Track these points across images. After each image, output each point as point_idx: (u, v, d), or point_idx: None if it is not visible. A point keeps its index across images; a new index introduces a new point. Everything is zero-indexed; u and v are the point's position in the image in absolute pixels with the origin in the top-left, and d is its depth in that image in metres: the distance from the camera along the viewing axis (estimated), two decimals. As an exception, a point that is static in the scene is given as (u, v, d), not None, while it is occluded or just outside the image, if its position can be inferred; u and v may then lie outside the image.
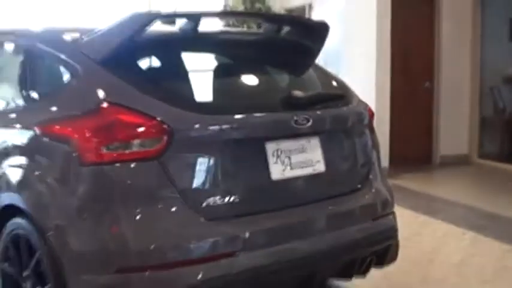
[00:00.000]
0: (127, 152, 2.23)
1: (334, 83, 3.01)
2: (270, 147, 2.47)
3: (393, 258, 2.90)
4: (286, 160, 2.50)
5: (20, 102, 2.81)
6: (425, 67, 7.15)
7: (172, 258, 2.19)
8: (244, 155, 2.41)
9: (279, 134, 2.51)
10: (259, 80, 2.79)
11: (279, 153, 2.48)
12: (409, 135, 7.03)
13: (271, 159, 2.46)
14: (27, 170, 2.50)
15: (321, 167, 2.62)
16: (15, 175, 2.56)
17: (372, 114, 2.98)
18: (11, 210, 2.60)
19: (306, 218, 2.54)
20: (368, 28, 6.67)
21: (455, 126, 7.18)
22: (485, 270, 3.68)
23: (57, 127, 2.39)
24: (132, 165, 2.22)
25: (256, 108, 2.52)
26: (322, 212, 2.60)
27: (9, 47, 3.14)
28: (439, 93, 7.19)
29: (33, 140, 2.50)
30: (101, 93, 2.33)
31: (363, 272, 2.81)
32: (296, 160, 2.54)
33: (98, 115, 2.29)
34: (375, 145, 2.97)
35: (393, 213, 2.95)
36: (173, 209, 2.24)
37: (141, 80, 2.41)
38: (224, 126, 2.37)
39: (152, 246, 2.19)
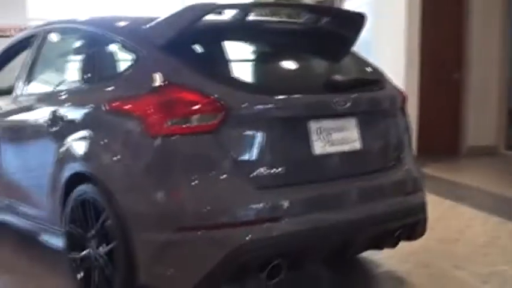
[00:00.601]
0: (187, 126, 2.52)
1: (370, 69, 3.27)
2: (313, 125, 2.74)
3: (422, 233, 3.15)
4: (327, 137, 2.77)
5: (85, 83, 3.13)
6: (455, 58, 7.32)
7: (224, 220, 2.49)
8: (289, 132, 2.69)
9: (321, 114, 2.79)
10: (302, 65, 3.08)
11: (321, 131, 2.75)
12: (436, 126, 7.20)
13: (314, 136, 2.73)
14: (96, 141, 2.82)
15: (357, 145, 2.89)
16: (84, 147, 2.89)
17: (405, 99, 3.23)
18: (79, 178, 2.93)
19: (343, 190, 2.81)
20: (397, 19, 6.86)
21: (482, 118, 7.34)
22: (509, 252, 3.89)
23: (125, 104, 2.70)
24: (192, 138, 2.52)
25: (301, 90, 2.81)
26: (357, 185, 2.87)
27: (71, 34, 3.48)
28: (467, 84, 7.36)
29: (101, 115, 2.83)
30: (164, 74, 2.63)
31: (394, 244, 3.07)
32: (335, 138, 2.80)
33: (162, 93, 2.58)
34: (407, 128, 3.22)
35: (423, 191, 3.19)
36: (226, 177, 2.53)
37: (199, 63, 2.70)
38: (273, 105, 2.65)
39: (207, 209, 2.48)
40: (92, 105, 2.93)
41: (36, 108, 3.45)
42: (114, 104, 2.75)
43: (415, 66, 6.81)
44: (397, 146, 3.11)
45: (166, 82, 2.60)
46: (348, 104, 2.82)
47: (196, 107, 2.52)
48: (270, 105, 2.65)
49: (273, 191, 2.60)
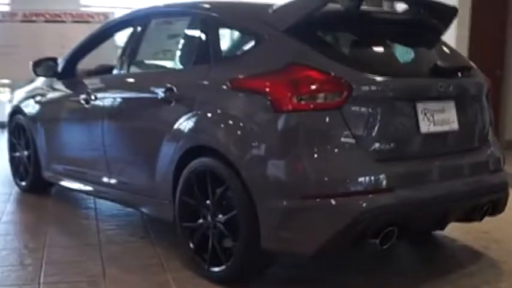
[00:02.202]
0: (314, 102, 2.77)
1: (461, 58, 3.54)
2: (419, 106, 3.00)
3: (503, 209, 3.41)
4: (431, 118, 3.03)
5: (201, 63, 3.36)
6: (498, 55, 7.59)
7: (347, 189, 2.74)
8: (401, 111, 2.95)
9: (427, 96, 3.06)
10: (408, 51, 3.33)
11: (426, 111, 3.01)
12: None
13: (420, 116, 2.99)
14: (218, 116, 3.06)
15: (454, 126, 3.15)
16: (205, 121, 3.14)
17: (490, 86, 3.49)
18: (196, 152, 3.18)
19: (444, 166, 3.08)
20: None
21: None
22: None
23: (251, 82, 2.95)
24: (317, 114, 2.77)
25: (410, 73, 3.10)
26: (455, 162, 3.15)
27: (180, 18, 3.74)
28: (508, 81, 7.61)
29: (223, 92, 3.06)
30: (290, 55, 2.89)
31: (481, 217, 3.33)
32: (437, 118, 3.06)
33: (290, 72, 2.83)
34: (491, 113, 3.48)
35: (504, 170, 3.45)
36: (348, 150, 2.78)
37: (321, 46, 2.96)
38: (388, 86, 2.92)
39: (331, 179, 2.74)
40: (212, 82, 3.17)
41: (147, 85, 3.67)
42: (238, 82, 3.00)
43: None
44: (484, 128, 3.38)
45: (294, 62, 2.85)
46: (450, 88, 3.11)
47: (324, 85, 2.77)
48: (386, 86, 2.90)
49: (388, 164, 2.86)
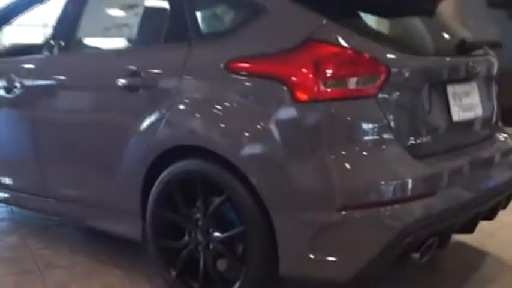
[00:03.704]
0: (344, 89, 2.19)
1: (468, 34, 3.08)
2: (450, 90, 2.51)
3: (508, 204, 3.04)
4: (460, 103, 2.56)
5: (177, 40, 2.62)
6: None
7: (389, 195, 2.18)
8: (433, 96, 2.43)
9: (456, 78, 2.57)
10: (431, 28, 2.77)
11: (455, 96, 2.54)
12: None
13: (451, 102, 2.51)
14: (216, 108, 2.38)
15: (479, 111, 2.71)
16: (197, 114, 2.45)
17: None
18: (176, 153, 2.51)
19: (475, 158, 2.60)
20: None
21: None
22: None
23: (260, 64, 2.29)
24: (349, 103, 2.19)
25: (438, 51, 2.58)
26: (483, 153, 2.69)
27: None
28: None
29: (218, 76, 2.38)
30: (306, 29, 2.26)
31: (504, 207, 2.91)
32: (465, 103, 2.60)
33: (310, 51, 2.21)
34: (497, 95, 3.09)
35: None
36: (388, 147, 2.23)
37: (343, 18, 2.34)
38: (425, 67, 2.40)
39: (370, 184, 2.17)
40: (197, 65, 2.49)
41: (99, 68, 2.92)
42: (239, 64, 2.34)
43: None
44: (496, 112, 2.98)
45: (313, 37, 2.24)
46: (477, 68, 2.65)
47: (357, 67, 2.19)
48: (422, 67, 2.39)
49: (426, 161, 2.33)
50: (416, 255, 2.31)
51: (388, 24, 2.57)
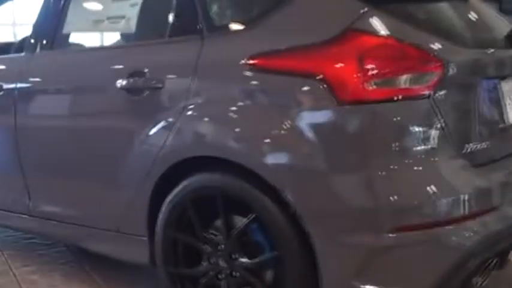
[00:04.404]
0: (395, 88, 1.85)
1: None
2: (504, 86, 2.18)
3: None
4: (509, 101, 2.25)
5: (184, 33, 2.26)
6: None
7: (451, 212, 1.85)
8: (488, 95, 2.11)
9: (507, 73, 2.25)
10: (475, 17, 2.45)
11: (507, 94, 2.22)
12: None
13: (506, 101, 2.18)
14: (240, 112, 2.02)
15: None
16: (218, 119, 2.09)
17: None
18: (189, 166, 2.15)
19: None
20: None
21: None
22: None
23: (293, 59, 1.93)
24: (401, 105, 1.85)
25: (492, 44, 2.23)
26: None
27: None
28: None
29: (241, 76, 2.03)
30: (346, 17, 1.91)
31: None
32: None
33: (353, 43, 1.86)
34: None
35: None
36: (444, 156, 1.89)
37: (387, 5, 2.01)
38: (481, 61, 2.09)
39: (427, 200, 1.83)
40: (213, 61, 2.13)
41: (94, 67, 2.54)
42: (266, 60, 1.98)
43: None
44: None
45: (356, 28, 1.90)
46: None
47: (408, 62, 1.85)
48: (479, 62, 2.07)
49: (485, 171, 2.01)
50: (477, 279, 2.01)
51: (431, 12, 2.22)
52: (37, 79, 2.75)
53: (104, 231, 2.54)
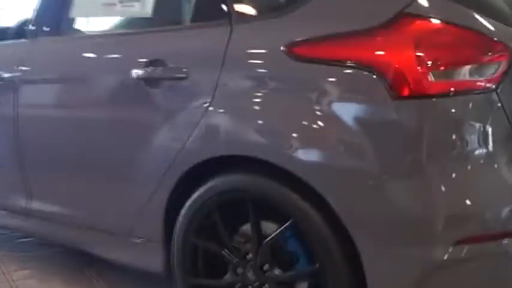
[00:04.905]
0: (458, 80, 1.63)
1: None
2: None
3: None
4: None
5: (218, 20, 1.99)
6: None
7: None
8: None
9: None
10: None
11: None
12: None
13: None
14: (279, 108, 1.78)
15: None
16: (250, 115, 1.85)
17: None
18: (214, 165, 1.92)
19: None
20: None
21: None
22: None
23: (340, 47, 1.70)
24: (464, 99, 1.62)
25: None
26: None
27: None
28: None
29: (279, 66, 1.79)
30: (402, 2, 1.66)
31: None
32: None
33: (408, 29, 1.63)
34: None
35: None
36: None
37: None
38: None
39: (498, 207, 1.63)
40: (248, 50, 1.88)
41: (106, 55, 2.31)
42: (307, 48, 1.74)
43: None
44: None
45: (409, 12, 1.66)
46: None
47: (473, 51, 1.63)
48: None
49: None
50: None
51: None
52: (41, 68, 2.49)
53: (112, 234, 2.30)
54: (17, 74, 2.50)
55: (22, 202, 2.60)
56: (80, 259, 2.85)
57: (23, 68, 2.50)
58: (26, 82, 2.49)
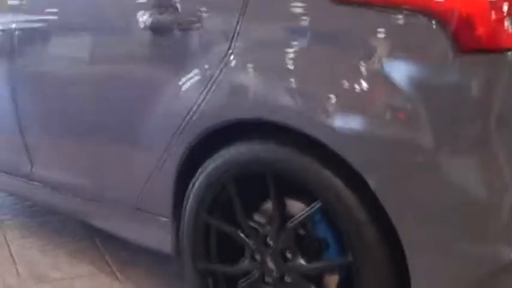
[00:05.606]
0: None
1: None
2: None
3: None
4: None
5: None
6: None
7: None
8: None
9: None
10: None
11: None
12: None
13: None
14: (313, 64, 1.43)
15: None
16: (279, 73, 1.51)
17: None
18: (232, 131, 1.61)
19: None
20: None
21: None
22: None
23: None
24: None
25: None
26: None
27: None
28: None
29: (319, 13, 1.45)
30: None
31: None
32: None
33: None
34: None
35: None
36: None
37: None
38: None
39: None
40: None
41: (107, 1, 2.00)
42: None
43: None
44: None
45: None
46: None
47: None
48: None
49: None
50: None
51: None
52: (41, 16, 2.20)
53: (118, 206, 2.03)
54: (14, 24, 2.22)
55: (24, 167, 2.36)
56: (89, 230, 2.60)
57: (21, 17, 2.22)
58: (24, 32, 2.21)
